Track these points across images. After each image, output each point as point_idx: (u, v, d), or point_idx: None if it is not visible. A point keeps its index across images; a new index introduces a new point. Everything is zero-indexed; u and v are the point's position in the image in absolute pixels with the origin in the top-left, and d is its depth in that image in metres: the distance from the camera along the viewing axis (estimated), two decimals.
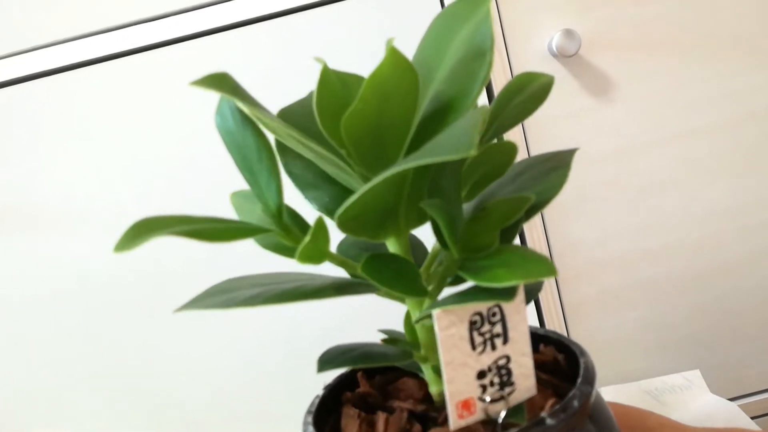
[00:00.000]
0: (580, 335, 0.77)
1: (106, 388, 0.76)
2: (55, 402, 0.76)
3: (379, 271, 0.30)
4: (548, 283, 0.77)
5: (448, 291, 0.32)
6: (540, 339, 0.37)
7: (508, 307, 0.29)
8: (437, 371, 0.34)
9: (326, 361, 0.32)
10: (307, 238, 0.28)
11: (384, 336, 0.34)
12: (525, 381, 0.31)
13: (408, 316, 0.35)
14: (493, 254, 0.29)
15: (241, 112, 0.31)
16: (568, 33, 0.71)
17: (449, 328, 0.28)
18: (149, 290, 0.75)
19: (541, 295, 0.76)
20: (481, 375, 0.29)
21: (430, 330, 0.33)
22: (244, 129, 0.31)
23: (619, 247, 0.77)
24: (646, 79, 0.75)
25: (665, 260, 0.77)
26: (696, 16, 0.74)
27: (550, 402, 0.32)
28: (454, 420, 0.29)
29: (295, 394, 0.77)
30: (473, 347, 0.29)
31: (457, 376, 0.28)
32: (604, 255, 0.77)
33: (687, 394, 0.72)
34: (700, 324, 0.78)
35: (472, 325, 0.29)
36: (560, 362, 0.35)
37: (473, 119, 0.25)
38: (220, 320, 0.76)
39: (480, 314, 0.29)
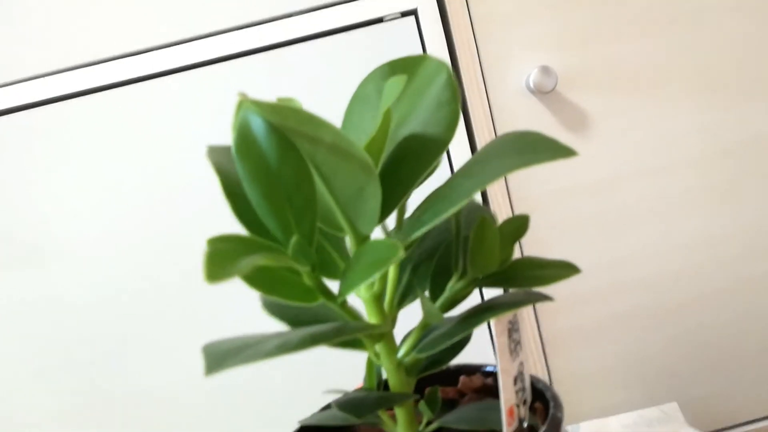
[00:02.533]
0: (559, 368, 0.78)
1: (88, 415, 0.75)
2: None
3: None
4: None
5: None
6: (465, 370, 0.39)
7: (521, 315, 0.30)
8: (409, 412, 0.34)
9: (354, 408, 0.31)
10: (370, 282, 0.28)
11: (334, 395, 0.34)
12: (527, 385, 0.32)
13: (370, 365, 0.35)
14: (514, 265, 0.31)
15: (279, 135, 0.28)
16: (545, 70, 0.73)
17: (501, 335, 0.29)
18: (128, 322, 0.75)
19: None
20: (515, 381, 0.30)
21: (403, 371, 0.34)
22: (284, 153, 0.28)
23: (597, 280, 0.77)
24: (622, 115, 0.76)
25: (643, 293, 0.78)
26: (670, 55, 0.76)
27: (538, 405, 0.34)
28: (506, 429, 0.29)
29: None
30: (510, 353, 0.30)
31: (506, 383, 0.29)
32: (582, 288, 0.77)
33: (664, 427, 0.72)
34: (678, 357, 0.79)
35: (509, 332, 0.30)
36: (490, 386, 0.38)
37: (536, 134, 0.27)
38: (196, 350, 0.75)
39: (511, 322, 0.30)
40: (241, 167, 0.28)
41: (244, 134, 0.28)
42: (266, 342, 0.27)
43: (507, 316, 0.29)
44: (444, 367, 0.34)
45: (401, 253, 0.26)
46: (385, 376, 0.36)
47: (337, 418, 0.33)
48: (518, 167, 0.25)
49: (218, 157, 0.32)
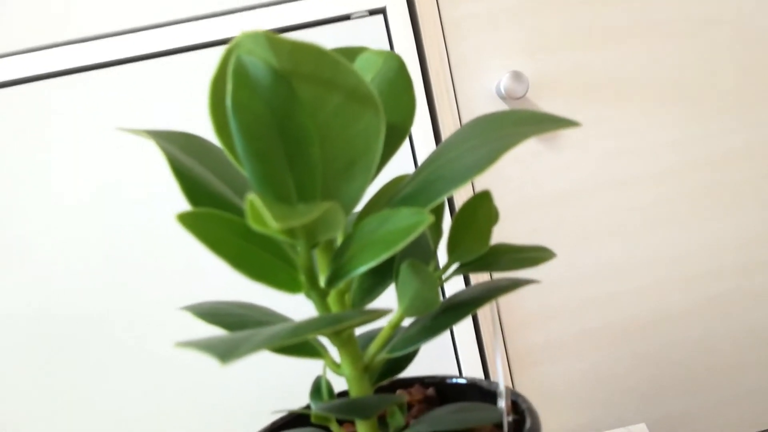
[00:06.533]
0: (524, 386, 0.75)
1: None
2: None
3: None
4: (493, 330, 0.74)
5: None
6: (400, 384, 0.38)
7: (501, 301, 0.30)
8: (373, 423, 0.31)
9: (358, 410, 0.29)
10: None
11: (280, 415, 0.31)
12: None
13: (326, 381, 0.32)
14: (495, 251, 0.30)
15: (285, 83, 0.23)
16: (517, 75, 0.71)
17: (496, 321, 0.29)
18: (84, 329, 0.70)
19: (486, 343, 0.74)
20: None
21: (367, 378, 0.31)
22: (290, 106, 0.23)
23: (564, 295, 0.75)
24: (592, 125, 0.75)
25: (610, 309, 0.76)
26: (642, 65, 0.75)
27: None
28: (507, 416, 0.29)
29: None
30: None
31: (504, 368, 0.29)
32: (549, 303, 0.75)
33: None
34: (645, 375, 0.77)
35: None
36: (432, 396, 0.37)
37: (527, 110, 0.27)
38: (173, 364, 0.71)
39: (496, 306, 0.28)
40: (236, 124, 0.23)
41: (242, 82, 0.23)
42: (273, 329, 0.23)
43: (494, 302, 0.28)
44: (400, 374, 0.32)
45: (431, 218, 0.22)
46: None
47: None
48: (530, 135, 0.23)
49: (162, 140, 0.29)
